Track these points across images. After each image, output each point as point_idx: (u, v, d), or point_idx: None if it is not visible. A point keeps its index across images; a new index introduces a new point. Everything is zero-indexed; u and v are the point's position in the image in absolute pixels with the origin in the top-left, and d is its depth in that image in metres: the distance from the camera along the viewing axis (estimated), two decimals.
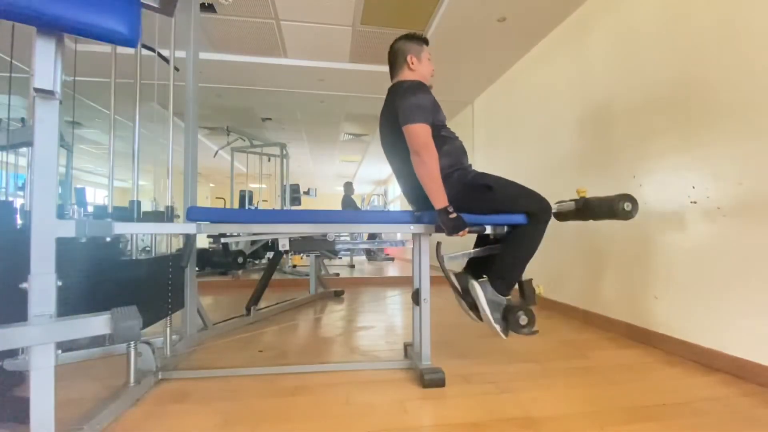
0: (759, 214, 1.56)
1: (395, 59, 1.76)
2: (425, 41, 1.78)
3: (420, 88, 1.60)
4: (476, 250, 1.75)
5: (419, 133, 1.52)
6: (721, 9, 1.73)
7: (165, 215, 1.85)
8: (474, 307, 1.59)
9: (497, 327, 1.53)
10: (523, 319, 1.52)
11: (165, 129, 1.91)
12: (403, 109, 1.55)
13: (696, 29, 1.85)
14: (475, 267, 1.75)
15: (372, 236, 3.86)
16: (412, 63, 1.72)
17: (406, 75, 1.73)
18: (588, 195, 1.70)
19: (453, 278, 1.66)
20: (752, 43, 1.60)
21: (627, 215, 1.59)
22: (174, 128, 1.89)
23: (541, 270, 3.12)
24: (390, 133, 1.69)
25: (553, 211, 1.69)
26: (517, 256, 1.59)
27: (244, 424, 1.22)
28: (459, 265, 1.79)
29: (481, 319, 1.58)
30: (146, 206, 2.40)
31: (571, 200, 1.74)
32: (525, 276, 1.63)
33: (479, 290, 1.54)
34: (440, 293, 3.72)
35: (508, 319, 1.53)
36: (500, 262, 1.60)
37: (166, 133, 1.88)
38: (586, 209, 1.68)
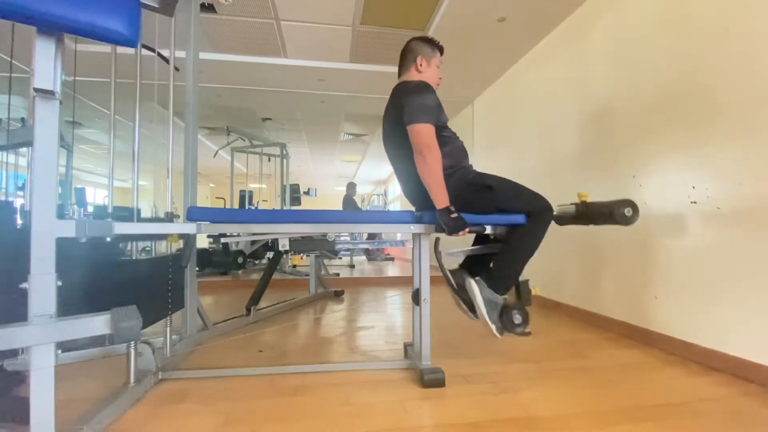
0: (759, 215, 1.56)
1: (405, 58, 1.76)
2: (440, 49, 1.78)
3: (426, 88, 1.61)
4: (475, 247, 1.75)
5: (423, 133, 1.52)
6: (721, 9, 1.73)
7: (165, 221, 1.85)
8: (470, 303, 1.59)
9: (493, 326, 1.53)
10: (517, 318, 1.52)
11: (165, 129, 1.91)
12: (408, 109, 1.55)
13: (695, 29, 1.85)
14: (472, 264, 1.76)
15: (372, 236, 3.86)
16: (421, 65, 1.72)
17: (412, 76, 1.73)
18: (589, 198, 1.70)
19: (449, 274, 1.66)
20: (752, 43, 1.60)
21: (627, 221, 1.59)
22: (174, 128, 1.89)
23: (541, 270, 3.12)
24: (393, 132, 1.69)
25: (554, 213, 1.69)
26: (516, 256, 1.59)
27: (245, 424, 1.22)
28: (456, 261, 1.79)
29: (476, 316, 1.58)
30: (146, 210, 2.39)
31: (571, 204, 1.74)
32: (524, 276, 1.63)
33: (476, 289, 1.55)
34: (440, 293, 3.71)
35: (503, 318, 1.53)
36: (499, 262, 1.60)
37: (166, 133, 1.88)
38: (586, 214, 1.68)
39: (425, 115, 1.53)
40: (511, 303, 1.56)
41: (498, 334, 1.53)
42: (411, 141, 1.54)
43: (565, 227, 2.68)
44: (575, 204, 1.72)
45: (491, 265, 1.65)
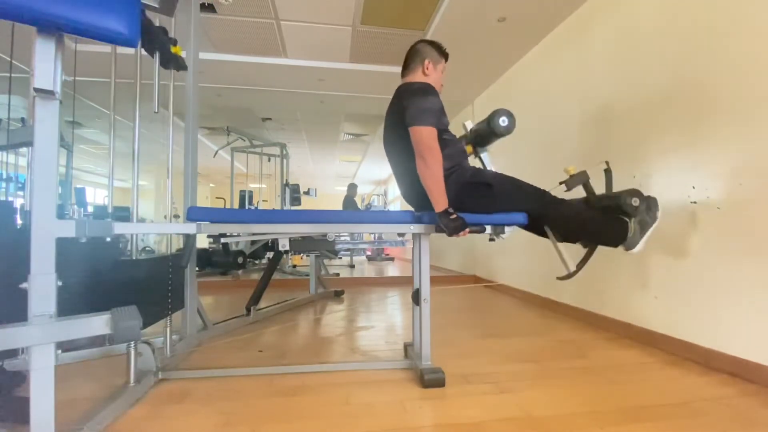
0: (759, 215, 1.56)
1: (412, 59, 1.75)
2: (446, 56, 1.80)
3: (429, 90, 1.61)
4: (582, 262, 1.78)
5: (425, 135, 1.52)
6: (721, 9, 1.73)
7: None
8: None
9: (651, 227, 1.58)
10: (635, 201, 1.57)
11: (165, 129, 1.91)
12: (411, 110, 1.54)
13: (695, 29, 1.85)
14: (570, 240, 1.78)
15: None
16: (428, 68, 1.73)
17: (417, 77, 1.73)
18: (574, 172, 1.72)
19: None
20: (752, 43, 1.60)
21: (635, 211, 1.60)
22: (174, 128, 1.89)
23: (540, 270, 3.12)
24: (394, 133, 1.69)
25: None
26: (580, 225, 1.65)
27: (245, 424, 1.22)
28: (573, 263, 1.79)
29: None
30: (147, 213, 2.39)
31: (560, 183, 1.74)
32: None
33: (631, 233, 1.59)
34: (440, 293, 3.72)
35: (636, 217, 1.58)
36: (588, 233, 1.68)
37: (166, 133, 1.88)
38: (573, 183, 1.71)
39: (427, 118, 1.53)
40: (606, 203, 1.62)
41: (656, 217, 1.58)
42: (412, 142, 1.54)
43: None
44: (563, 181, 1.72)
45: (594, 240, 1.73)
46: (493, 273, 4.13)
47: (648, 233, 1.59)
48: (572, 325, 2.49)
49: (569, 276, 1.70)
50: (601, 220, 1.66)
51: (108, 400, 1.28)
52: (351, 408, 1.34)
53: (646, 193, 1.63)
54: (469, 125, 1.98)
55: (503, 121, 1.73)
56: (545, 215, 1.62)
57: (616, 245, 1.66)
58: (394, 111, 1.68)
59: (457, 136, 1.79)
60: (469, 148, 1.94)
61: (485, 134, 1.85)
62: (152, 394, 1.45)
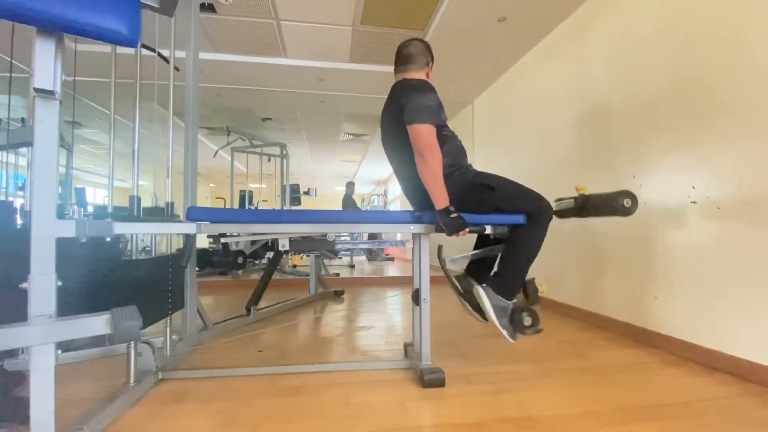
0: (759, 214, 1.56)
1: (413, 56, 1.71)
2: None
3: (428, 87, 1.60)
4: (477, 252, 1.75)
5: (424, 133, 1.51)
6: (721, 8, 1.73)
7: (165, 212, 1.85)
8: (479, 308, 1.59)
9: (505, 332, 1.52)
10: (527, 320, 1.52)
11: (165, 129, 1.90)
12: (410, 108, 1.54)
13: (695, 29, 1.85)
14: (476, 268, 1.75)
15: (372, 236, 3.87)
16: (430, 70, 1.75)
17: (417, 75, 1.71)
18: (587, 192, 1.71)
19: (455, 281, 1.66)
20: (752, 43, 1.60)
21: (627, 212, 1.59)
22: (174, 128, 1.89)
23: (541, 270, 3.11)
24: (392, 131, 1.69)
25: (554, 209, 1.69)
26: (519, 259, 1.58)
27: (245, 424, 1.22)
28: (461, 267, 1.79)
29: (486, 320, 1.58)
30: (146, 202, 2.40)
31: (570, 198, 1.74)
32: (529, 275, 1.63)
33: (484, 296, 1.54)
34: (440, 293, 3.71)
35: (513, 321, 1.53)
36: (504, 265, 1.60)
37: (166, 133, 1.88)
38: (586, 206, 1.68)
39: (426, 116, 1.52)
40: (520, 305, 1.56)
41: (511, 339, 1.53)
42: (411, 141, 1.54)
43: (566, 227, 2.69)
44: (574, 197, 1.72)
45: (496, 269, 1.65)
46: None
47: (508, 331, 1.54)
48: (572, 325, 2.49)
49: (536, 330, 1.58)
50: (520, 276, 1.59)
51: (108, 400, 1.28)
52: (351, 408, 1.34)
53: (647, 200, 1.57)
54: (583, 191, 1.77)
55: (627, 202, 1.62)
56: (533, 227, 1.57)
57: (509, 295, 1.57)
58: (391, 109, 1.67)
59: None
60: (580, 190, 1.76)
61: (599, 207, 1.67)
62: (152, 394, 1.45)
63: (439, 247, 1.65)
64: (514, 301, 1.58)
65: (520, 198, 1.59)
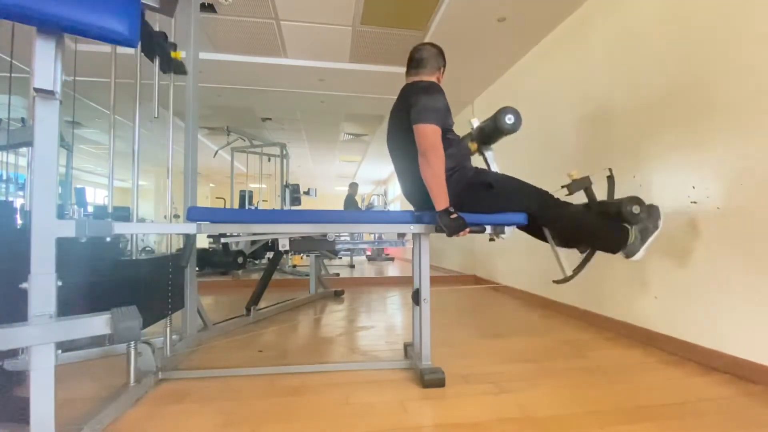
0: (759, 214, 1.56)
1: (426, 60, 1.72)
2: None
3: (437, 89, 1.62)
4: (579, 266, 1.77)
5: (429, 133, 1.52)
6: (722, 9, 1.73)
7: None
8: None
9: (653, 235, 1.59)
10: (636, 209, 1.58)
11: (165, 129, 1.90)
12: (417, 108, 1.55)
13: (696, 29, 1.85)
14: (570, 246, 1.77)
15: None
16: (441, 75, 1.77)
17: (430, 79, 1.72)
18: (576, 176, 1.71)
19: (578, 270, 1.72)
20: (753, 43, 1.60)
21: (636, 219, 1.60)
22: (174, 128, 1.89)
23: (540, 270, 3.12)
24: (398, 131, 1.70)
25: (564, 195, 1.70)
26: (581, 232, 1.66)
27: (245, 424, 1.22)
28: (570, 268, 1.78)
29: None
30: (148, 213, 2.39)
31: (562, 186, 1.73)
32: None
33: (632, 242, 1.60)
34: (440, 293, 3.71)
35: (637, 225, 1.60)
36: (592, 241, 1.67)
37: (166, 133, 1.88)
38: (577, 188, 1.71)
39: (432, 116, 1.53)
40: (613, 209, 1.61)
41: (657, 225, 1.59)
42: (416, 140, 1.54)
43: None
44: (566, 185, 1.72)
45: (593, 245, 1.72)
46: (493, 273, 4.13)
47: (649, 241, 1.59)
48: (572, 325, 2.49)
49: (566, 280, 1.70)
50: (601, 225, 1.66)
51: (108, 400, 1.28)
52: (351, 408, 1.34)
53: (648, 201, 1.63)
54: (476, 123, 1.98)
55: (509, 119, 1.73)
56: (545, 217, 1.62)
57: (615, 251, 1.66)
58: (400, 109, 1.68)
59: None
60: (473, 146, 1.94)
61: (491, 132, 1.84)
62: (152, 394, 1.45)
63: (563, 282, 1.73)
64: (629, 218, 1.61)
65: (520, 195, 1.60)
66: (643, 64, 2.15)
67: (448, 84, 1.83)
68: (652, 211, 1.61)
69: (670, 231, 1.95)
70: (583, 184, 1.70)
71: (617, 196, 1.74)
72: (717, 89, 1.74)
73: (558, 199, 1.65)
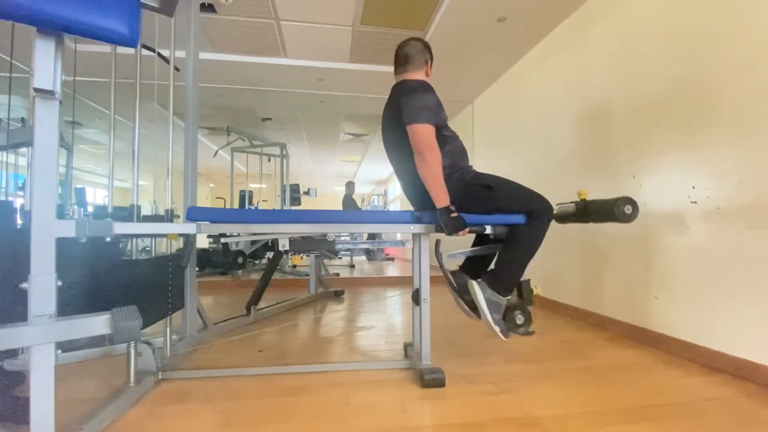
0: (759, 215, 1.56)
1: (411, 57, 1.71)
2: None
3: (426, 88, 1.61)
4: (475, 249, 1.75)
5: (423, 133, 1.52)
6: (722, 9, 1.73)
7: (165, 219, 1.85)
8: (472, 305, 1.58)
9: (497, 328, 1.52)
10: (520, 319, 1.52)
11: (165, 129, 1.90)
12: (409, 108, 1.54)
13: (696, 29, 1.85)
14: (472, 265, 1.75)
15: (372, 236, 3.86)
16: (429, 69, 1.75)
17: (417, 75, 1.71)
18: (589, 197, 1.70)
19: (450, 276, 1.66)
20: (753, 43, 1.60)
21: (627, 218, 1.59)
22: (174, 128, 1.89)
23: (540, 270, 3.12)
24: (393, 131, 1.69)
25: (555, 212, 1.69)
26: (517, 257, 1.58)
27: (245, 424, 1.22)
28: (456, 263, 1.79)
29: (479, 317, 1.58)
30: (146, 209, 2.40)
31: (571, 202, 1.74)
32: (525, 275, 1.63)
33: (478, 291, 1.54)
34: (440, 293, 3.71)
35: (506, 319, 1.53)
36: (501, 263, 1.60)
37: (166, 133, 1.88)
38: (586, 212, 1.68)
39: (425, 115, 1.53)
40: (514, 303, 1.56)
41: (503, 336, 1.52)
42: (411, 141, 1.54)
43: (566, 227, 2.68)
44: (575, 202, 1.72)
45: (492, 266, 1.64)
46: None
47: (499, 328, 1.53)
48: (572, 325, 2.49)
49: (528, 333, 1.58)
50: (518, 267, 1.58)
51: (108, 400, 1.28)
52: (351, 408, 1.34)
53: (648, 201, 1.59)
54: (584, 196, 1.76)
55: (628, 209, 1.58)
56: (536, 220, 1.58)
57: (503, 293, 1.56)
58: (391, 109, 1.68)
59: (569, 201, 1.74)
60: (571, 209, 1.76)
61: (598, 212, 1.66)
62: (152, 394, 1.45)
63: (437, 242, 1.66)
64: (509, 298, 1.57)
65: (520, 198, 1.60)
66: (643, 64, 2.15)
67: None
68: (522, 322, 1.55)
69: (670, 231, 1.95)
70: (526, 287, 1.63)
71: (616, 196, 1.73)
72: (717, 89, 1.74)
73: (551, 216, 1.61)
